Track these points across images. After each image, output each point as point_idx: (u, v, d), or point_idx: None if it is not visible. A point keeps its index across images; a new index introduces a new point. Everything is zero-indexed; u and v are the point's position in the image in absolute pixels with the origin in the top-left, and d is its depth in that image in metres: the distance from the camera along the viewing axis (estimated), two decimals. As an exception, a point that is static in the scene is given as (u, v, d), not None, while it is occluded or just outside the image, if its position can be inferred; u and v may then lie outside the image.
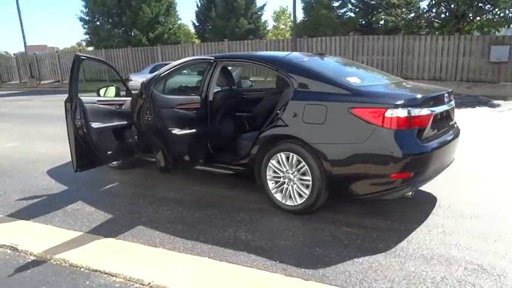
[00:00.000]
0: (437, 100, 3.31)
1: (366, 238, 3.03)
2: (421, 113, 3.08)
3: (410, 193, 3.18)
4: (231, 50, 19.91)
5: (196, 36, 29.41)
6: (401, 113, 2.98)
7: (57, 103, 14.85)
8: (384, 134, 2.97)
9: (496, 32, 17.24)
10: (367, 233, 3.11)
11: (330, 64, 4.04)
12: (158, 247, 2.98)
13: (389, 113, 2.96)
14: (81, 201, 3.98)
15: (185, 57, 20.89)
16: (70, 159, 5.53)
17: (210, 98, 4.06)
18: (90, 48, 27.33)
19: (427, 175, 3.19)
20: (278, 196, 3.58)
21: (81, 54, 3.87)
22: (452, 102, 3.67)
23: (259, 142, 3.63)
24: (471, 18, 18.17)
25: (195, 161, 3.89)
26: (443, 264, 2.64)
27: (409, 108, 3.01)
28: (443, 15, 18.93)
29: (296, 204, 3.45)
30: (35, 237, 3.20)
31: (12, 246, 3.00)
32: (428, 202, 3.70)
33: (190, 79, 11.17)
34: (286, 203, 3.52)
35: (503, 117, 8.92)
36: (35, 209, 3.83)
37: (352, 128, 3.08)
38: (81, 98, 3.80)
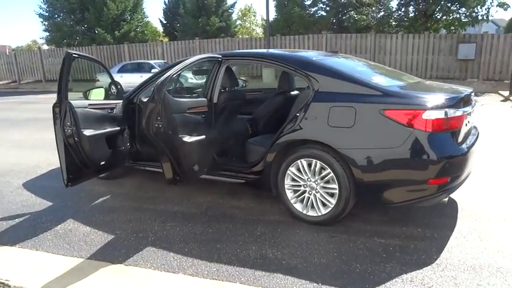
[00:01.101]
0: (467, 100, 3.13)
1: (404, 249, 2.80)
2: (456, 114, 2.88)
3: (446, 199, 2.98)
4: (202, 48, 19.41)
5: (164, 34, 28.56)
6: (439, 114, 2.77)
7: (18, 106, 13.88)
8: (421, 137, 2.75)
9: (463, 31, 17.80)
10: (403, 244, 2.88)
11: (350, 63, 3.78)
12: (178, 273, 2.61)
13: (427, 114, 2.74)
14: (72, 220, 3.52)
15: (154, 56, 20.20)
16: (48, 169, 4.99)
17: (215, 99, 3.71)
18: (46, 47, 25.85)
19: (461, 179, 3.01)
20: (298, 206, 3.29)
21: (73, 52, 3.41)
22: (475, 103, 3.52)
23: (276, 148, 3.32)
24: (439, 17, 18.66)
25: (203, 170, 3.53)
26: (496, 276, 2.45)
27: (446, 110, 2.80)
28: (411, 14, 19.34)
29: (320, 214, 3.17)
30: (27, 268, 2.73)
31: (1, 283, 2.53)
32: (449, 205, 3.52)
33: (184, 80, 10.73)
34: (308, 214, 3.24)
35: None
36: (19, 232, 3.32)
37: (385, 131, 2.84)
38: (71, 102, 3.34)
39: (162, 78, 2.91)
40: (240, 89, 5.50)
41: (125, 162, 4.16)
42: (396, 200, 2.94)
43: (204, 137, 3.35)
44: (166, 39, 26.54)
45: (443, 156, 2.78)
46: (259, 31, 37.66)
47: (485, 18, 17.04)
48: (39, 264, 2.78)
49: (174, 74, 2.99)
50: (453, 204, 3.57)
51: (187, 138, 3.13)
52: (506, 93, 12.05)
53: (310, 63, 3.33)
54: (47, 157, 5.63)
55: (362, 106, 2.91)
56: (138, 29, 25.37)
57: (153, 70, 15.51)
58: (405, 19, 19.57)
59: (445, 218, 3.31)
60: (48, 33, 25.50)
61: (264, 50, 4.43)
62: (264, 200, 3.74)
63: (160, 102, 2.84)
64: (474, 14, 17.04)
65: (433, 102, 2.81)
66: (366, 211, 3.41)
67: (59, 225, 3.40)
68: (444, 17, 18.45)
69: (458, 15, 17.77)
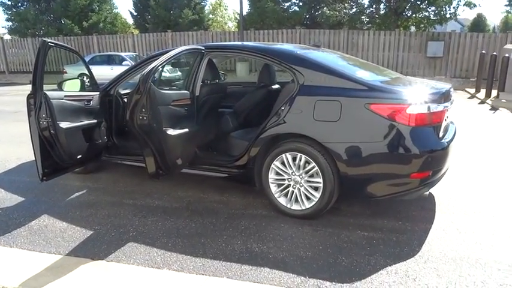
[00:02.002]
0: (447, 96, 3.21)
1: (387, 242, 2.85)
2: (437, 109, 2.95)
3: (427, 193, 3.06)
4: (174, 41, 19.08)
5: (135, 26, 27.83)
6: (422, 109, 2.83)
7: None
8: (405, 131, 2.80)
9: (432, 29, 18.36)
10: (386, 236, 2.93)
11: (333, 57, 3.79)
12: (162, 268, 2.55)
13: (411, 109, 2.79)
14: (47, 216, 3.37)
15: (125, 48, 19.64)
16: (17, 163, 4.82)
17: (197, 92, 3.64)
18: (8, 37, 24.62)
19: (441, 173, 3.09)
20: (282, 200, 3.29)
21: (49, 41, 3.25)
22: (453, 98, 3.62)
23: (261, 142, 3.29)
24: (409, 15, 19.16)
25: (185, 163, 3.46)
26: (476, 267, 2.53)
27: (429, 105, 2.86)
28: (383, 12, 19.75)
29: (304, 208, 3.18)
30: (2, 266, 2.60)
31: (-25, 281, 2.39)
32: (427, 199, 3.62)
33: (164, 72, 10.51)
34: (293, 208, 3.24)
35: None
36: (-10, 228, 3.16)
37: (370, 125, 2.87)
38: (46, 93, 3.18)
39: (148, 69, 2.81)
40: (221, 82, 5.43)
41: (101, 156, 4.02)
42: (379, 193, 2.99)
43: (187, 130, 3.28)
44: (137, 32, 25.89)
45: (425, 150, 2.84)
46: (231, 25, 37.38)
47: (452, 16, 17.63)
48: (14, 261, 2.64)
49: (159, 65, 2.90)
50: (431, 198, 3.66)
51: (171, 131, 3.06)
52: (472, 90, 12.51)
53: (296, 56, 3.32)
54: (14, 151, 5.37)
55: (348, 100, 2.93)
56: (107, 20, 24.60)
57: (124, 63, 15.10)
58: (376, 16, 19.97)
59: (424, 211, 3.39)
60: (11, 23, 24.31)
61: (249, 43, 4.40)
62: (247, 194, 3.72)
63: (145, 94, 2.75)
64: (442, 12, 17.60)
65: (417, 97, 2.86)
66: (347, 205, 3.45)
67: (33, 221, 3.25)
68: (414, 15, 18.97)
69: (427, 14, 18.30)
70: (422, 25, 18.73)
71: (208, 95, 3.88)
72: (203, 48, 3.63)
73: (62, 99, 3.38)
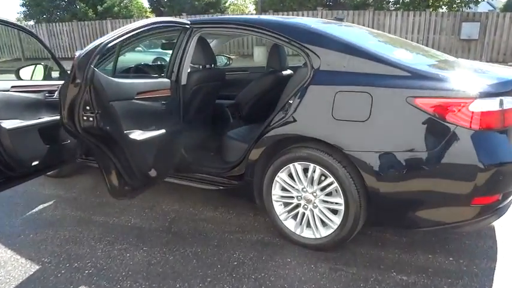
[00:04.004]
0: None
1: (435, 294, 2.02)
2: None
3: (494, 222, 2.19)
4: (190, 25, 18.25)
5: (151, 10, 27.10)
6: (492, 105, 1.94)
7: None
8: (465, 137, 1.92)
9: (466, 9, 16.89)
10: (434, 283, 2.09)
11: (360, 33, 2.91)
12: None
13: (476, 105, 1.91)
14: (-8, 238, 2.67)
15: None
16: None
17: (183, 81, 2.83)
18: (31, 23, 24.37)
19: (512, 195, 2.20)
20: (290, 224, 2.48)
21: None
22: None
23: (262, 146, 2.48)
24: (440, -7, 17.68)
25: (164, 174, 2.69)
26: None
27: (502, 98, 1.97)
28: (412, -10, 18.30)
29: (319, 237, 2.37)
30: None
31: None
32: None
33: (146, 57, 9.60)
34: (303, 235, 2.43)
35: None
36: None
37: (413, 128, 2.01)
38: None
39: (88, 48, 2.00)
40: (222, 67, 4.61)
41: (75, 159, 3.29)
42: (424, 223, 2.13)
43: (163, 131, 2.49)
44: (153, 16, 25.16)
45: (494, 164, 1.96)
46: (252, 8, 36.17)
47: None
48: None
49: (107, 43, 2.07)
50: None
51: (137, 135, 2.26)
52: None
53: (309, 32, 2.44)
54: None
55: (382, 92, 2.07)
56: (122, 4, 23.91)
57: (136, 49, 14.37)
58: (405, -4, 18.52)
59: (481, 238, 2.52)
60: (26, 9, 23.96)
61: (249, 16, 3.54)
62: (247, 210, 2.94)
63: (87, 85, 1.95)
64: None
65: (484, 88, 1.97)
66: (375, 228, 2.61)
67: (-28, 248, 2.56)
68: (446, -6, 17.48)
69: (461, -8, 16.81)
70: (455, 5, 17.22)
71: (200, 84, 3.06)
72: (188, 23, 2.80)
73: (8, 90, 2.64)
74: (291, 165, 2.37)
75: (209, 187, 2.81)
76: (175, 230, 2.73)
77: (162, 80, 2.66)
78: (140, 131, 2.29)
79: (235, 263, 2.31)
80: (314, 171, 2.30)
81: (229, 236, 2.63)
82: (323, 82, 2.25)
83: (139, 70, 3.50)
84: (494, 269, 2.22)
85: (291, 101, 2.35)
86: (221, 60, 4.91)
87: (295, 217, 2.47)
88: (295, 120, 2.32)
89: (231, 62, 4.96)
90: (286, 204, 2.50)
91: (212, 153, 3.11)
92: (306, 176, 2.35)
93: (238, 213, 2.94)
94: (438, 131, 1.96)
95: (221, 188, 2.75)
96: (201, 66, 3.13)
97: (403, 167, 2.05)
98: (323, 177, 2.30)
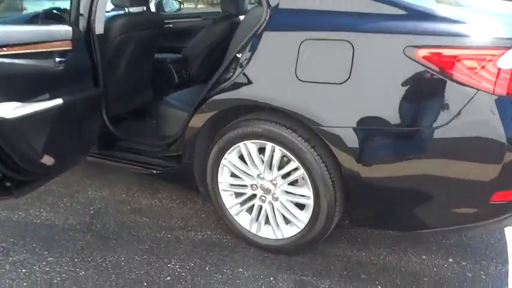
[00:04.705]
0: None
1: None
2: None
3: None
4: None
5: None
6: (530, 58, 1.31)
7: None
8: (491, 105, 1.31)
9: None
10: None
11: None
12: None
13: (506, 59, 1.28)
14: None
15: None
16: None
17: (98, 29, 2.08)
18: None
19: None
20: (243, 220, 1.88)
21: None
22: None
23: (201, 117, 1.81)
24: None
25: (73, 160, 2.00)
26: None
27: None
28: None
29: (281, 238, 1.78)
30: None
31: None
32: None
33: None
34: (260, 234, 1.84)
35: None
36: None
37: (415, 91, 1.38)
38: None
39: None
40: (171, 13, 3.79)
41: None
42: (424, 224, 1.56)
43: (63, 100, 1.76)
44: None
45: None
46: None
47: None
48: None
49: None
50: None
51: (9, 110, 1.53)
52: None
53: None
54: None
55: (368, 40, 1.40)
56: None
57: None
58: None
59: (486, 233, 1.99)
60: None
61: None
62: (194, 197, 2.32)
63: None
64: None
65: (516, 32, 1.34)
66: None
67: None
68: None
69: None
70: None
71: (128, 33, 2.30)
72: None
73: None
74: (241, 144, 1.73)
75: (141, 170, 2.15)
76: (98, 227, 2.09)
77: (56, 27, 1.87)
78: (16, 104, 1.56)
79: (168, 279, 1.71)
80: (274, 153, 1.67)
81: (166, 234, 2.02)
82: (283, 27, 1.56)
83: (51, 16, 2.66)
84: (507, 273, 1.71)
85: (239, 55, 1.67)
86: (171, 5, 4.08)
87: (250, 210, 1.87)
88: (244, 82, 1.65)
89: (181, 6, 4.11)
90: (238, 195, 1.88)
91: (147, 125, 2.43)
92: (263, 159, 1.72)
93: (184, 199, 2.32)
94: (449, 96, 1.34)
95: (154, 172, 2.09)
96: (128, 10, 2.35)
97: (396, 147, 1.45)
98: (285, 161, 1.68)
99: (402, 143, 1.44)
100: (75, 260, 1.84)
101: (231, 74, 1.67)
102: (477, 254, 1.81)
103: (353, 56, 1.40)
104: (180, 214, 2.19)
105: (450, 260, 1.79)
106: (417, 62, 1.33)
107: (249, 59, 1.61)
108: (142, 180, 2.51)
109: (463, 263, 1.76)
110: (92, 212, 2.23)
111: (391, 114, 1.40)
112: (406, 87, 1.37)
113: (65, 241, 1.98)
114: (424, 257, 1.81)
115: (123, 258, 1.84)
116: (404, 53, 1.34)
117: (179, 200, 2.32)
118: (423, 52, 1.32)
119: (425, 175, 1.42)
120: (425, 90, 1.36)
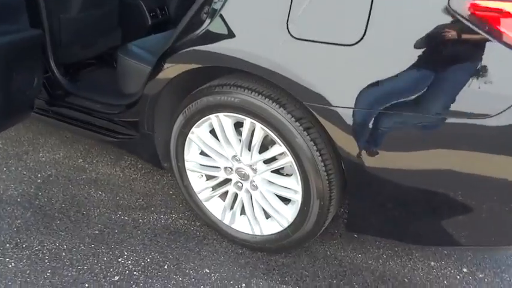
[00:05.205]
0: None
1: None
2: None
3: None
4: None
5: None
6: None
7: None
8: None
9: None
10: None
11: None
12: None
13: None
14: None
15: None
16: None
17: None
18: None
19: None
20: (214, 207, 1.52)
21: None
22: None
23: (162, 75, 1.38)
24: None
25: (4, 118, 1.58)
26: None
27: None
28: None
29: (259, 234, 1.43)
30: None
31: None
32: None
33: None
34: (234, 227, 1.49)
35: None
36: None
37: (462, 67, 0.95)
38: None
39: None
40: None
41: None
42: (462, 238, 1.19)
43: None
44: None
45: None
46: None
47: None
48: None
49: None
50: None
51: None
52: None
53: None
54: None
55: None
56: None
57: None
58: None
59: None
60: None
61: None
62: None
63: None
64: None
65: None
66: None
67: None
68: None
69: None
70: None
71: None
72: None
73: None
74: (212, 117, 1.32)
75: (92, 136, 1.75)
76: (42, 202, 1.73)
77: None
78: None
79: (116, 278, 1.38)
80: (255, 131, 1.27)
81: (122, 216, 1.66)
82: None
83: None
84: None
85: (213, -4, 1.20)
86: None
87: (223, 196, 1.51)
88: (217, 34, 1.20)
89: None
90: (209, 177, 1.50)
91: (108, 79, 1.98)
92: (239, 137, 1.33)
93: (151, 169, 1.95)
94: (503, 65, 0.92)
95: (108, 140, 1.70)
96: None
97: (417, 134, 1.05)
98: (267, 142, 1.28)
99: (417, 130, 1.04)
100: (7, 245, 1.50)
101: (197, 23, 1.22)
102: (497, 265, 1.48)
103: (371, 6, 0.95)
104: (143, 189, 1.82)
105: (464, 270, 1.46)
106: (466, 19, 0.89)
107: (222, 6, 1.15)
108: (105, 142, 2.12)
109: (480, 275, 1.44)
110: (39, 181, 1.86)
111: (420, 92, 0.98)
112: (444, 57, 0.94)
113: (0, 219, 1.63)
114: (432, 263, 1.48)
115: (65, 247, 1.50)
116: (449, 5, 0.89)
117: (144, 170, 1.95)
118: (479, 3, 0.88)
119: (450, 173, 1.03)
120: (473, 64, 0.93)
